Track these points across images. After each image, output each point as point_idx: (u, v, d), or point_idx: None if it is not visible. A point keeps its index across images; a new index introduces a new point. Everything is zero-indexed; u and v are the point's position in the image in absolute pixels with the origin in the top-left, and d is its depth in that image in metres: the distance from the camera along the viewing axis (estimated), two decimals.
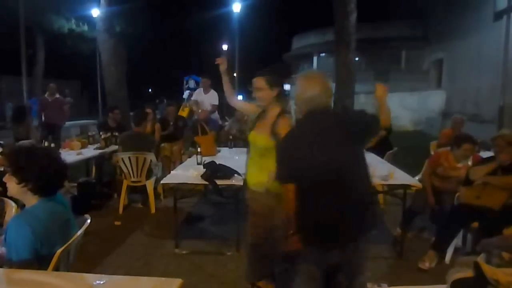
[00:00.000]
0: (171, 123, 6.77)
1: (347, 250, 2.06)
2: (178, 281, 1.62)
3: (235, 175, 3.76)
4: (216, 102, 7.35)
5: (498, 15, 11.07)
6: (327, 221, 2.01)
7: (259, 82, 2.73)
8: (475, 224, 3.47)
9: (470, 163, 4.08)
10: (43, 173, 1.88)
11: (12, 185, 1.89)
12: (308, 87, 2.12)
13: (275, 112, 2.73)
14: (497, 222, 3.24)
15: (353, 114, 2.26)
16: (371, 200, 2.19)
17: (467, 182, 3.72)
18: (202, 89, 7.49)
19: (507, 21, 10.17)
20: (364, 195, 2.09)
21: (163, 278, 1.68)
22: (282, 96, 2.77)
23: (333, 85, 9.42)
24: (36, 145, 1.97)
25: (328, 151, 2.00)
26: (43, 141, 6.05)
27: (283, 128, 2.56)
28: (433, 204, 4.03)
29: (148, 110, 6.52)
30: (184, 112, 7.46)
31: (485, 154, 4.83)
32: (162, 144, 6.52)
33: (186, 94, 10.51)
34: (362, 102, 13.44)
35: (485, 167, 3.62)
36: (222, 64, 3.14)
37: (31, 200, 1.91)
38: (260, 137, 2.74)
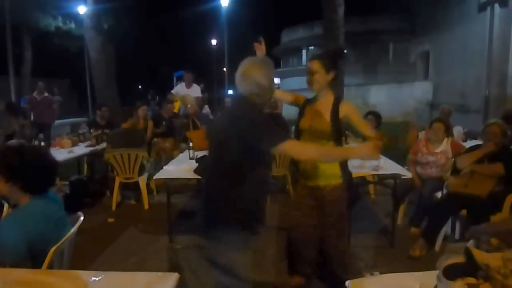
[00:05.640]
0: (164, 122, 6.75)
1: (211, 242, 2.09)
2: (174, 276, 1.62)
3: None
4: (200, 95, 7.43)
5: (482, 7, 11.20)
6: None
7: (314, 64, 2.61)
8: (464, 212, 3.54)
9: (449, 150, 4.21)
10: (31, 171, 1.86)
11: (1, 184, 1.86)
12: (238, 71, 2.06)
13: (330, 98, 2.66)
14: (485, 210, 3.32)
15: (243, 121, 1.95)
16: (225, 203, 2.00)
17: (455, 171, 3.80)
18: (184, 84, 7.56)
19: (491, 13, 10.31)
20: (219, 195, 2.02)
21: (160, 273, 1.68)
22: (336, 81, 2.64)
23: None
24: (24, 143, 1.95)
25: (215, 142, 2.07)
26: (33, 140, 6.00)
27: (351, 112, 2.58)
28: (419, 184, 4.17)
29: (143, 107, 6.52)
30: (175, 108, 7.47)
31: (471, 142, 4.92)
32: (155, 139, 6.50)
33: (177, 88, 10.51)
34: (351, 94, 13.53)
35: (471, 156, 3.69)
36: (260, 50, 2.81)
37: (22, 199, 1.89)
38: (318, 122, 2.63)
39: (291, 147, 1.92)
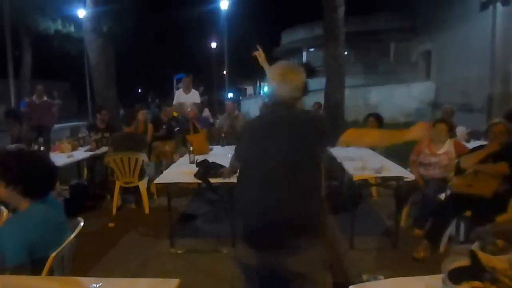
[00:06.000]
0: (164, 126, 6.72)
1: (277, 254, 1.94)
2: (175, 281, 1.60)
3: None
4: (199, 101, 7.43)
5: (484, 5, 11.16)
6: (250, 217, 1.98)
7: None
8: (468, 213, 3.50)
9: (452, 150, 4.18)
10: (31, 175, 1.85)
11: (1, 189, 1.85)
12: (269, 79, 2.06)
13: None
14: (490, 210, 3.28)
15: (309, 118, 2.04)
16: (305, 206, 1.94)
17: (459, 171, 3.77)
18: (182, 90, 7.54)
19: (493, 11, 10.27)
20: (295, 199, 1.92)
21: (161, 279, 1.66)
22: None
23: (323, 80, 9.46)
24: (23, 148, 1.94)
25: (263, 147, 1.97)
26: (33, 143, 5.98)
27: None
28: (422, 183, 4.13)
29: (143, 111, 6.50)
30: (175, 112, 7.47)
31: (475, 143, 4.88)
32: (155, 143, 6.48)
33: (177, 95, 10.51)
34: (352, 95, 13.50)
35: (475, 155, 3.66)
36: (260, 56, 2.90)
37: (22, 203, 1.88)
38: None
39: (352, 134, 2.02)
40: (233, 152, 2.33)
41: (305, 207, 1.93)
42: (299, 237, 1.92)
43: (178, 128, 6.96)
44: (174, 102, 7.57)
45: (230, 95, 22.56)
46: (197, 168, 3.83)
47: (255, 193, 1.97)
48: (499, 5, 10.34)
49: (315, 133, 1.95)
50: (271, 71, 2.07)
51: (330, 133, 1.99)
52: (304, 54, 23.59)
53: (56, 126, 10.32)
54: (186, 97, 7.31)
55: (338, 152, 5.02)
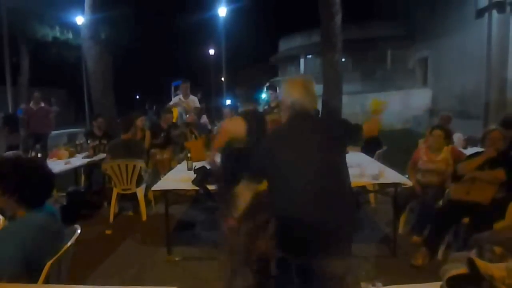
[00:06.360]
0: (163, 134, 6.71)
1: (320, 261, 1.99)
2: None
3: None
4: (198, 105, 7.44)
5: (479, 13, 11.28)
6: (298, 227, 1.97)
7: None
8: (466, 220, 3.50)
9: (449, 156, 4.19)
10: (27, 183, 1.84)
11: None
12: (290, 92, 2.13)
13: None
14: (487, 217, 3.29)
15: (335, 121, 2.29)
16: (350, 209, 2.09)
17: (456, 178, 3.77)
18: (181, 95, 7.55)
19: (488, 19, 10.38)
20: (341, 202, 2.02)
21: (158, 287, 1.65)
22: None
23: (320, 87, 9.49)
24: (20, 155, 1.94)
25: (304, 156, 2.00)
26: (30, 150, 5.96)
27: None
28: (420, 192, 4.14)
29: (141, 119, 6.49)
30: (174, 117, 7.47)
31: (472, 150, 4.90)
32: (152, 150, 6.47)
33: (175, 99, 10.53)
34: (349, 102, 13.55)
35: (472, 162, 3.67)
36: None
37: (19, 211, 1.87)
38: None
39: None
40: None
41: (349, 212, 2.07)
42: (344, 241, 2.05)
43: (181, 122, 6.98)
44: (171, 103, 7.59)
45: (228, 101, 22.54)
46: (195, 175, 3.83)
47: (301, 203, 1.98)
48: (494, 13, 10.46)
49: (345, 133, 2.15)
50: (293, 85, 2.18)
51: (355, 129, 2.17)
52: (302, 61, 23.66)
53: (53, 133, 10.30)
54: (185, 102, 7.35)
55: None
